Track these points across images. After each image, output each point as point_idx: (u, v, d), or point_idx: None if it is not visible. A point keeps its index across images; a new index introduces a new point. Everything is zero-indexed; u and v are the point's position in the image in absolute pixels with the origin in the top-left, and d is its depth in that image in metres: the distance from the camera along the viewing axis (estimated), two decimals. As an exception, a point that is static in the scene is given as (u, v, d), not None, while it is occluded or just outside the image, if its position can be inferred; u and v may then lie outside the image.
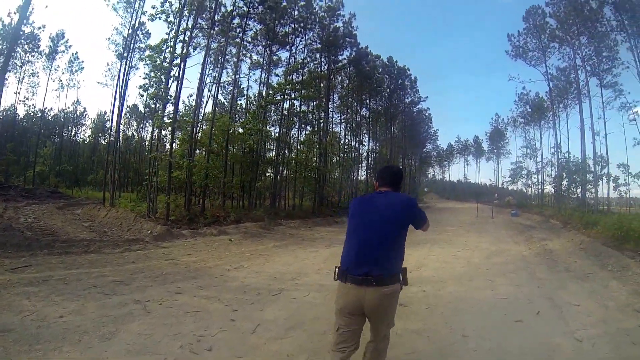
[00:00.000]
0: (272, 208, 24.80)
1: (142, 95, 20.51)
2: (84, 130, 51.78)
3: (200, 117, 25.66)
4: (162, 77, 18.79)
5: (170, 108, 19.87)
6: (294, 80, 29.21)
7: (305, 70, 32.87)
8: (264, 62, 29.70)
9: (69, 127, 49.39)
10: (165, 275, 8.14)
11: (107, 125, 33.58)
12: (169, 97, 19.04)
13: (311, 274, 8.71)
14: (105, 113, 32.06)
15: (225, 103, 33.22)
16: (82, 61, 41.55)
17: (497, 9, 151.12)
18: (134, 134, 50.41)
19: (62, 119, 46.81)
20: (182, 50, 19.30)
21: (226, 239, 14.50)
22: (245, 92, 30.10)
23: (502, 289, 7.59)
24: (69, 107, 46.83)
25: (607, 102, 30.84)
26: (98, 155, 47.82)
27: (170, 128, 19.78)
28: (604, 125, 30.62)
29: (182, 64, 19.49)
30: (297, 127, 33.95)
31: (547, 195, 52.24)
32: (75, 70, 41.57)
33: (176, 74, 19.39)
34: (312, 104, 33.89)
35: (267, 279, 8.09)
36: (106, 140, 33.22)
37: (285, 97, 27.81)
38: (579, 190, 32.93)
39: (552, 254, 12.39)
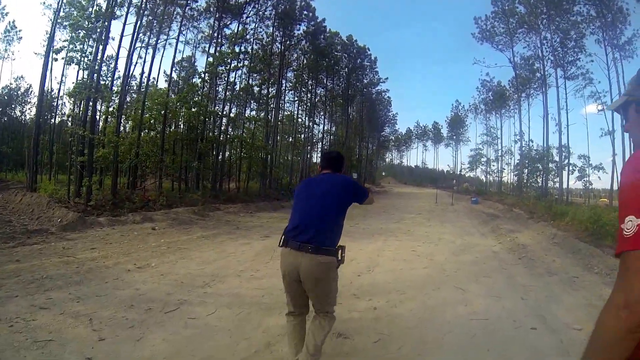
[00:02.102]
0: (213, 191, 22.78)
1: (56, 60, 18.05)
2: (29, 109, 47.19)
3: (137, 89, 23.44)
4: (83, 37, 16.63)
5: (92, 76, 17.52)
6: (241, 51, 26.93)
7: (255, 43, 31.08)
8: (216, 34, 27.67)
9: (13, 106, 45.80)
10: (45, 279, 6.52)
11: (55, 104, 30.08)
12: (88, 61, 16.72)
13: (230, 278, 7.18)
14: (52, 90, 28.23)
15: (175, 77, 30.79)
16: (20, 30, 38.03)
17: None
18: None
19: (6, 97, 43.25)
20: (108, 10, 17.03)
21: (149, 228, 12.85)
22: (193, 66, 27.53)
23: (478, 303, 6.06)
24: (11, 84, 43.62)
25: (576, 90, 31.78)
26: (42, 136, 43.90)
27: (88, 98, 17.39)
28: (566, 116, 31.63)
29: (108, 24, 17.37)
30: (244, 104, 32.01)
31: (505, 184, 54.22)
32: (13, 40, 39.03)
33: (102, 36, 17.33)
34: (257, 78, 31.97)
35: (170, 285, 6.54)
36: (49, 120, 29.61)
37: (230, 68, 25.49)
38: (540, 180, 33.43)
39: (526, 250, 11.24)
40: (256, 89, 31.41)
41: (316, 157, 50.83)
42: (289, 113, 42.68)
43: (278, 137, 39.15)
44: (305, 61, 41.50)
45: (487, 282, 7.36)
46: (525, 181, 35.60)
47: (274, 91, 34.83)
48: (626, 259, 1.15)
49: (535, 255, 10.44)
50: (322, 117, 50.37)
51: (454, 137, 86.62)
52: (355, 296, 6.13)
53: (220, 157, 26.22)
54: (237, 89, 29.68)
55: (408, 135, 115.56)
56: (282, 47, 35.57)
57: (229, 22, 28.58)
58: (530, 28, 34.73)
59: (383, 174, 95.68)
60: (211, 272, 7.51)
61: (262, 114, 30.82)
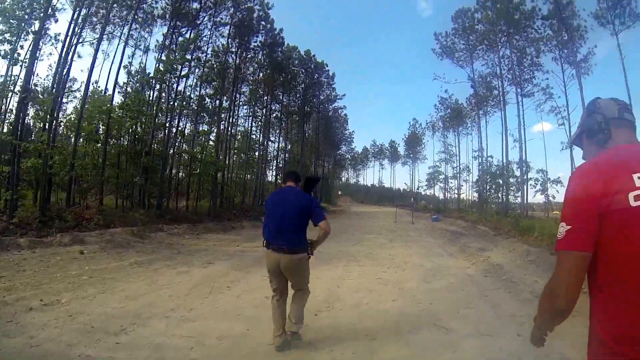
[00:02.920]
0: (158, 209, 21.06)
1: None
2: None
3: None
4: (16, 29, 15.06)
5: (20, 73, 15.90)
6: (193, 58, 25.49)
7: (209, 53, 29.71)
8: (168, 42, 26.25)
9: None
10: None
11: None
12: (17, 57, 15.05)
13: (155, 320, 5.71)
14: None
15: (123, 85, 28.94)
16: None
17: (416, 20, 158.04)
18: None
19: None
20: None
21: (76, 251, 11.23)
22: (144, 74, 25.80)
23: (468, 346, 4.87)
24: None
25: (537, 105, 32.18)
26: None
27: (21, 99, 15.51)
28: (524, 132, 32.14)
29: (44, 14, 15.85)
30: (196, 117, 30.46)
31: (463, 200, 54.29)
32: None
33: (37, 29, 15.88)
34: (209, 88, 30.56)
35: (76, 332, 5.06)
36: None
37: (179, 75, 24.02)
38: (501, 195, 33.94)
39: (503, 271, 10.31)
40: (208, 100, 29.73)
41: (271, 176, 49.46)
42: (243, 129, 41.15)
43: (232, 154, 37.69)
44: (261, 75, 40.29)
45: (471, 315, 6.24)
46: (486, 197, 35.18)
47: (227, 104, 33.48)
48: (557, 257, 1.55)
49: (515, 276, 9.54)
50: (278, 134, 49.20)
51: (411, 155, 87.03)
52: (312, 345, 4.85)
53: (167, 173, 24.32)
54: (189, 99, 28.03)
55: (364, 153, 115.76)
56: (238, 60, 34.27)
57: (183, 31, 27.16)
58: (490, 45, 35.30)
59: (339, 192, 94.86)
60: (134, 310, 6.10)
61: (214, 128, 29.03)
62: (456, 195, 57.91)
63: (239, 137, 40.48)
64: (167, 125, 25.00)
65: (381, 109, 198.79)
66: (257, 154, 41.76)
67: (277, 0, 38.70)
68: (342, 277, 9.26)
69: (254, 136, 42.00)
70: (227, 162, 32.73)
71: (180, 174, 27.26)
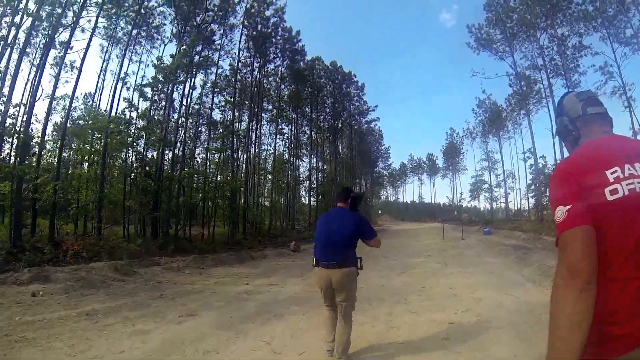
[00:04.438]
0: (156, 239, 18.01)
1: None
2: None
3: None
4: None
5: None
6: (199, 63, 22.57)
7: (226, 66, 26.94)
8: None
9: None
10: None
11: None
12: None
13: None
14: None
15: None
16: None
17: (440, 31, 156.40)
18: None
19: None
20: None
21: (28, 293, 8.56)
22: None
23: None
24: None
25: (597, 87, 27.49)
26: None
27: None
28: None
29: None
30: (209, 134, 27.59)
31: (512, 209, 52.05)
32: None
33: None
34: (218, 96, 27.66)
35: None
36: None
37: (185, 78, 21.03)
38: None
39: None
40: (219, 115, 26.80)
41: (305, 197, 46.27)
42: (269, 148, 38.20)
43: (258, 175, 34.78)
44: (285, 90, 37.58)
45: None
46: (544, 202, 30.95)
47: (251, 124, 30.72)
48: (561, 239, 1.51)
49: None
50: (309, 152, 45.89)
51: (451, 167, 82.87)
52: None
53: (175, 197, 21.12)
54: (198, 113, 25.19)
55: (402, 169, 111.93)
56: (258, 74, 31.51)
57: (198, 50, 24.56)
58: (528, 32, 32.11)
59: (379, 212, 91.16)
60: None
61: (228, 145, 25.80)
62: (503, 205, 54.46)
63: (264, 156, 37.66)
64: (175, 142, 21.91)
65: (415, 122, 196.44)
66: (288, 175, 38.43)
67: (298, 25, 35.92)
68: (384, 336, 5.89)
69: (283, 156, 38.99)
70: (251, 182, 29.80)
71: (192, 198, 23.71)
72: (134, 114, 19.92)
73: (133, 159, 20.35)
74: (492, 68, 56.07)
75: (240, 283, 11.16)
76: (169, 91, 20.68)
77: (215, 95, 26.70)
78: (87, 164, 18.64)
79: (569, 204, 1.52)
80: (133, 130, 19.37)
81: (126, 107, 19.35)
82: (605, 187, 1.51)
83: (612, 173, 1.53)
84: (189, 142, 24.80)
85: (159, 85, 19.74)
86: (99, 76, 22.90)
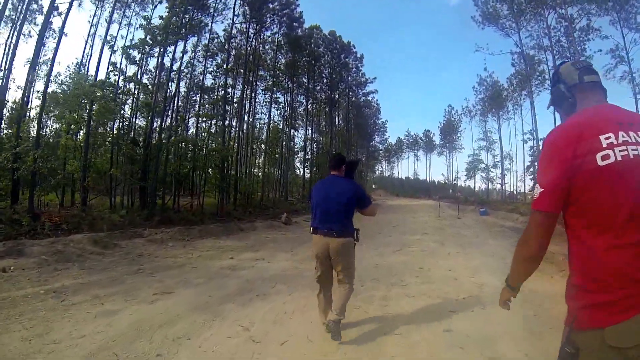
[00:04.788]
0: (143, 209, 17.33)
1: None
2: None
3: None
4: None
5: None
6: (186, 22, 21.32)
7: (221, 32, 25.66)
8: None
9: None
10: None
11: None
12: None
13: None
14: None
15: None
16: None
17: (444, 9, 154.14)
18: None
19: None
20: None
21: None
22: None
23: None
24: None
25: (607, 70, 27.54)
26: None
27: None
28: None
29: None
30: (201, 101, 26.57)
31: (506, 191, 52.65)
32: None
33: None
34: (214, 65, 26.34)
35: None
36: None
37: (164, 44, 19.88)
38: None
39: None
40: (210, 80, 25.76)
41: (299, 169, 45.44)
42: (264, 118, 37.22)
43: (253, 147, 33.97)
44: (282, 59, 36.58)
45: None
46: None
47: (246, 92, 29.68)
48: (531, 214, 1.79)
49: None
50: (305, 123, 44.97)
51: (447, 144, 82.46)
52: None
53: (163, 166, 20.24)
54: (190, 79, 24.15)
55: (398, 145, 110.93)
56: (254, 41, 30.39)
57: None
58: (538, 5, 30.83)
59: (374, 186, 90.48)
60: None
61: (219, 111, 24.82)
62: (499, 186, 54.22)
63: (258, 126, 36.76)
64: (165, 108, 20.96)
65: (414, 98, 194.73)
66: (281, 144, 37.51)
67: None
68: (379, 325, 5.32)
69: (276, 125, 38.09)
70: (244, 152, 28.98)
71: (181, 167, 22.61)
72: (121, 80, 19.01)
73: (120, 126, 19.47)
74: (496, 45, 54.63)
75: (225, 257, 10.50)
76: (158, 54, 19.68)
77: (207, 60, 25.58)
78: (72, 132, 17.59)
79: (543, 186, 1.71)
80: (120, 96, 18.43)
81: (111, 71, 18.43)
82: (597, 152, 1.60)
83: (606, 139, 1.62)
84: (180, 109, 23.93)
85: (147, 47, 18.73)
86: (86, 42, 21.75)
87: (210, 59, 25.86)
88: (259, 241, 14.10)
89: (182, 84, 23.61)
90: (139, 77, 20.18)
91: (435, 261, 10.14)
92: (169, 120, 21.63)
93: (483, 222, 24.13)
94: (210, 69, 26.60)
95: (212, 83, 26.84)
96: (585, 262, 1.64)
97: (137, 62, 19.87)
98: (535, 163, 32.91)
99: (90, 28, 21.92)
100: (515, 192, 52.25)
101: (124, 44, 20.29)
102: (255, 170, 36.93)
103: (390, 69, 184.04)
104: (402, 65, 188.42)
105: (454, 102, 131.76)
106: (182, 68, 22.49)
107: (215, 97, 25.98)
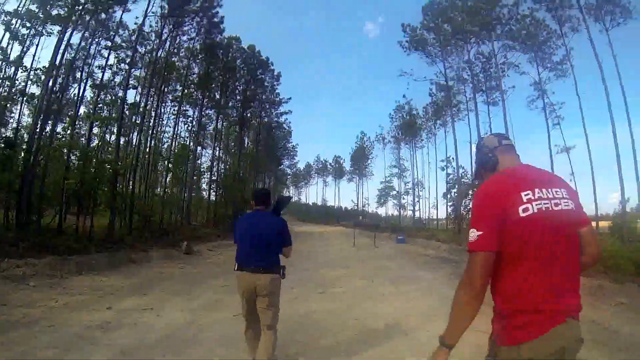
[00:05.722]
0: (19, 229, 14.06)
1: None
2: None
3: None
4: None
5: None
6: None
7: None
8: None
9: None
10: None
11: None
12: None
13: None
14: None
15: None
16: None
17: (363, 42, 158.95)
18: None
19: None
20: None
21: None
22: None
23: None
24: None
25: (530, 101, 31.49)
26: None
27: None
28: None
29: None
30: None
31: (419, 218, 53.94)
32: None
33: None
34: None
35: None
36: None
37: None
38: None
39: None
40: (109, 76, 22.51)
41: (206, 191, 42.49)
42: (170, 133, 34.12)
43: (157, 163, 30.82)
44: (195, 68, 34.06)
45: None
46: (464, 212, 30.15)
47: (151, 100, 26.75)
48: (470, 256, 1.95)
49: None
50: (212, 143, 42.41)
51: (357, 171, 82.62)
52: None
53: (40, 175, 16.54)
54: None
55: (307, 170, 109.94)
56: (169, 45, 27.71)
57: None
58: (462, 39, 32.79)
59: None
60: None
61: (114, 114, 21.60)
62: (410, 212, 54.97)
63: (163, 140, 33.71)
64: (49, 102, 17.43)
65: (325, 126, 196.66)
66: (186, 162, 34.27)
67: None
68: None
69: (182, 141, 35.16)
70: (145, 167, 26.00)
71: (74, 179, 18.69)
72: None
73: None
74: (419, 73, 56.15)
75: (100, 306, 7.82)
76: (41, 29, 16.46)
77: (110, 52, 21.95)
78: None
79: (481, 230, 1.92)
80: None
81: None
82: (519, 205, 1.92)
83: (525, 195, 1.96)
84: (66, 105, 20.57)
85: (33, 20, 15.55)
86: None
87: (112, 52, 22.23)
88: (151, 278, 11.40)
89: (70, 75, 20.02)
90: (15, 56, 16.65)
91: (371, 305, 8.30)
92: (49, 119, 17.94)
93: (403, 250, 23.05)
94: (111, 64, 22.87)
95: (110, 79, 23.23)
96: (505, 292, 1.98)
97: (20, 39, 16.34)
98: (452, 190, 34.82)
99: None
100: (427, 218, 52.93)
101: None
102: (158, 189, 33.54)
103: (304, 94, 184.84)
104: (315, 91, 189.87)
105: (367, 130, 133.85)
106: (75, 56, 19.31)
107: (110, 98, 22.72)
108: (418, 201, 54.13)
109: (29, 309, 7.26)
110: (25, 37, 16.36)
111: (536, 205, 1.92)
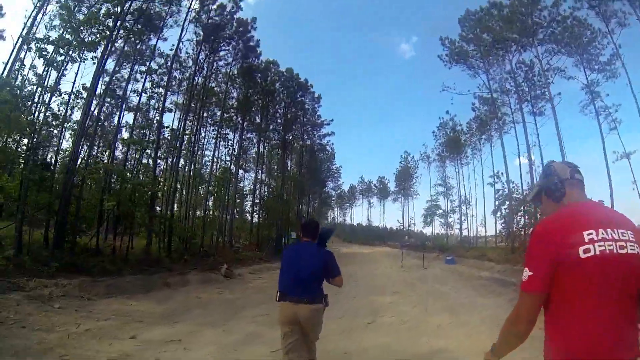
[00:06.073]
0: (55, 248, 13.62)
1: None
2: None
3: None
4: None
5: None
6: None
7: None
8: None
9: None
10: None
11: None
12: None
13: None
14: None
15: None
16: None
17: (399, 62, 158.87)
18: None
19: None
20: None
21: None
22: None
23: None
24: None
25: (583, 106, 28.74)
26: None
27: None
28: (539, 154, 29.92)
29: None
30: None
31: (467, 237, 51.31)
32: None
33: None
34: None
35: None
36: None
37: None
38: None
39: None
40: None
41: (249, 213, 42.07)
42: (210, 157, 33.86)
43: (198, 186, 30.55)
44: (233, 92, 33.96)
45: None
46: (517, 230, 28.23)
47: (191, 124, 26.56)
48: (520, 294, 1.92)
49: None
50: (255, 166, 42.41)
51: (402, 191, 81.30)
52: None
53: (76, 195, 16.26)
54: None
55: (351, 191, 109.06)
56: (205, 69, 27.58)
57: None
58: (504, 47, 31.15)
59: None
60: None
61: (152, 137, 21.22)
62: (457, 231, 53.61)
63: (205, 164, 33.43)
64: (84, 125, 17.20)
65: (369, 148, 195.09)
66: (228, 185, 33.80)
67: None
68: None
69: (224, 166, 34.73)
70: (185, 191, 25.59)
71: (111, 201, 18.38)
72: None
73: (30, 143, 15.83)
74: (462, 87, 54.87)
75: (124, 334, 7.15)
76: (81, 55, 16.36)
77: (147, 77, 22.09)
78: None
79: (532, 270, 1.85)
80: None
81: (18, 69, 15.06)
82: (580, 246, 1.78)
83: (588, 234, 1.80)
84: (102, 130, 20.38)
85: (67, 47, 15.36)
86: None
87: (149, 77, 22.21)
88: (184, 305, 10.76)
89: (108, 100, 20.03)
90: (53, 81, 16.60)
91: (427, 340, 7.26)
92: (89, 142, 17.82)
93: (454, 272, 21.79)
94: (147, 88, 22.98)
95: (146, 103, 23.10)
96: (561, 342, 1.84)
97: (52, 62, 16.20)
98: (502, 207, 32.81)
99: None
100: (475, 236, 51.17)
101: (35, 35, 16.55)
102: (200, 212, 33.17)
103: (345, 117, 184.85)
104: (356, 114, 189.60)
105: (409, 149, 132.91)
106: (110, 82, 19.25)
107: (144, 121, 22.51)
108: (465, 219, 52.25)
109: (47, 334, 6.80)
110: (61, 62, 16.30)
111: (599, 246, 1.79)
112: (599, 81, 27.12)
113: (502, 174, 34.01)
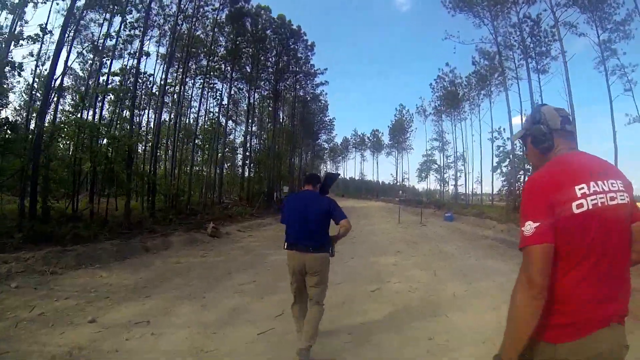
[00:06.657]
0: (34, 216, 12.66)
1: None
2: None
3: None
4: None
5: None
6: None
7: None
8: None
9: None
10: None
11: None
12: None
13: None
14: None
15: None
16: None
17: (395, 15, 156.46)
18: None
19: None
20: None
21: None
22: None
23: None
24: None
25: (598, 63, 27.75)
26: None
27: None
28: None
29: None
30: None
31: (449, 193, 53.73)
32: None
33: None
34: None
35: None
36: None
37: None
38: None
39: None
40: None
41: (241, 168, 40.95)
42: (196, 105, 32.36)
43: (184, 140, 29.27)
44: (222, 41, 32.17)
45: None
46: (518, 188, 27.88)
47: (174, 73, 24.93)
48: (526, 251, 1.75)
49: None
50: (246, 119, 40.86)
51: (396, 145, 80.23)
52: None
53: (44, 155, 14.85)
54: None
55: (345, 144, 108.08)
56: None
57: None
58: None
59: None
60: None
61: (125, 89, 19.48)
62: (452, 188, 53.14)
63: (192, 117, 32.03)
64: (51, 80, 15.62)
65: (363, 100, 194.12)
66: (216, 138, 32.40)
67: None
68: None
69: (212, 117, 33.20)
70: (171, 146, 24.28)
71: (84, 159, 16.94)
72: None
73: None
74: (467, 33, 53.22)
75: (83, 317, 5.90)
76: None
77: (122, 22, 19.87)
78: None
79: (538, 221, 1.74)
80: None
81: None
82: (573, 201, 1.75)
83: (580, 189, 1.78)
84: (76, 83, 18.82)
85: None
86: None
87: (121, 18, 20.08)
88: (161, 273, 9.51)
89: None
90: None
91: (446, 317, 6.14)
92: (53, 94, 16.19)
93: (456, 230, 21.13)
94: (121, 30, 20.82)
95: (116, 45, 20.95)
96: (550, 290, 1.73)
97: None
98: (502, 164, 32.56)
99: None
100: (470, 194, 50.51)
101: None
102: (188, 168, 31.99)
103: (339, 69, 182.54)
104: (350, 66, 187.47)
105: (405, 103, 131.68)
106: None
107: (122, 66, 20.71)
108: (460, 176, 51.45)
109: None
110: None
111: (591, 200, 1.77)
112: (611, 41, 26.42)
113: (503, 129, 33.23)
